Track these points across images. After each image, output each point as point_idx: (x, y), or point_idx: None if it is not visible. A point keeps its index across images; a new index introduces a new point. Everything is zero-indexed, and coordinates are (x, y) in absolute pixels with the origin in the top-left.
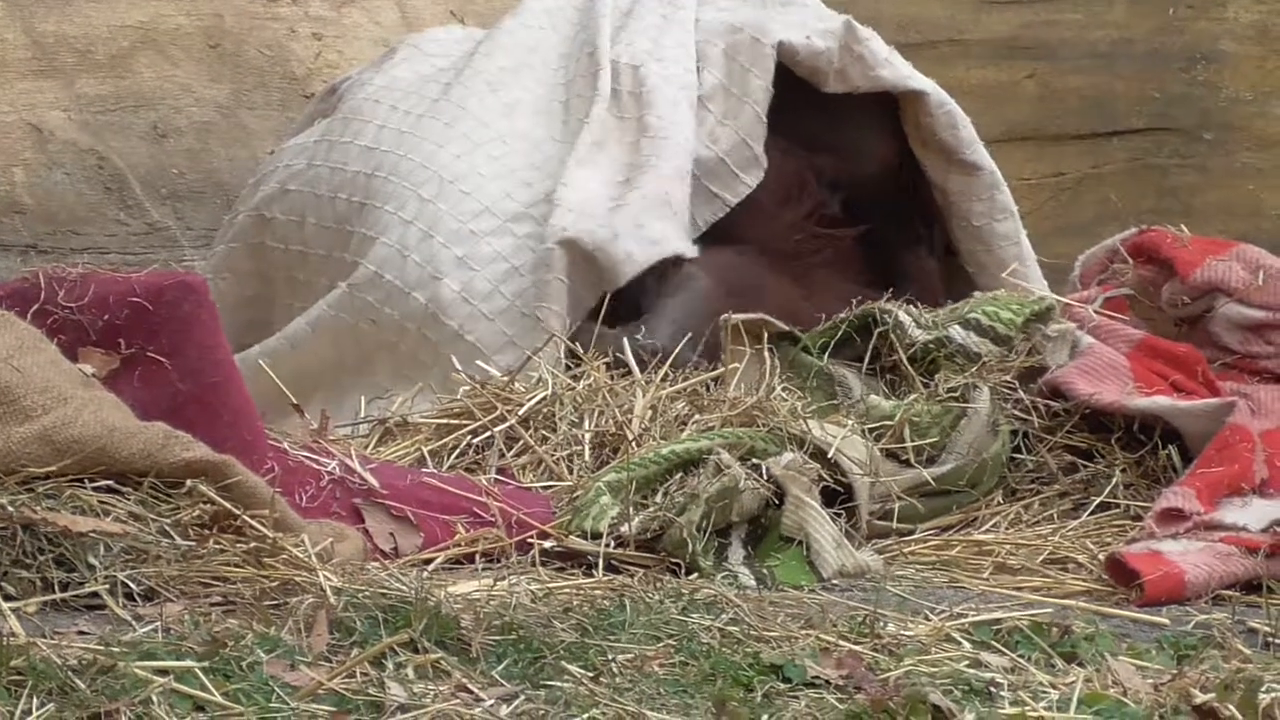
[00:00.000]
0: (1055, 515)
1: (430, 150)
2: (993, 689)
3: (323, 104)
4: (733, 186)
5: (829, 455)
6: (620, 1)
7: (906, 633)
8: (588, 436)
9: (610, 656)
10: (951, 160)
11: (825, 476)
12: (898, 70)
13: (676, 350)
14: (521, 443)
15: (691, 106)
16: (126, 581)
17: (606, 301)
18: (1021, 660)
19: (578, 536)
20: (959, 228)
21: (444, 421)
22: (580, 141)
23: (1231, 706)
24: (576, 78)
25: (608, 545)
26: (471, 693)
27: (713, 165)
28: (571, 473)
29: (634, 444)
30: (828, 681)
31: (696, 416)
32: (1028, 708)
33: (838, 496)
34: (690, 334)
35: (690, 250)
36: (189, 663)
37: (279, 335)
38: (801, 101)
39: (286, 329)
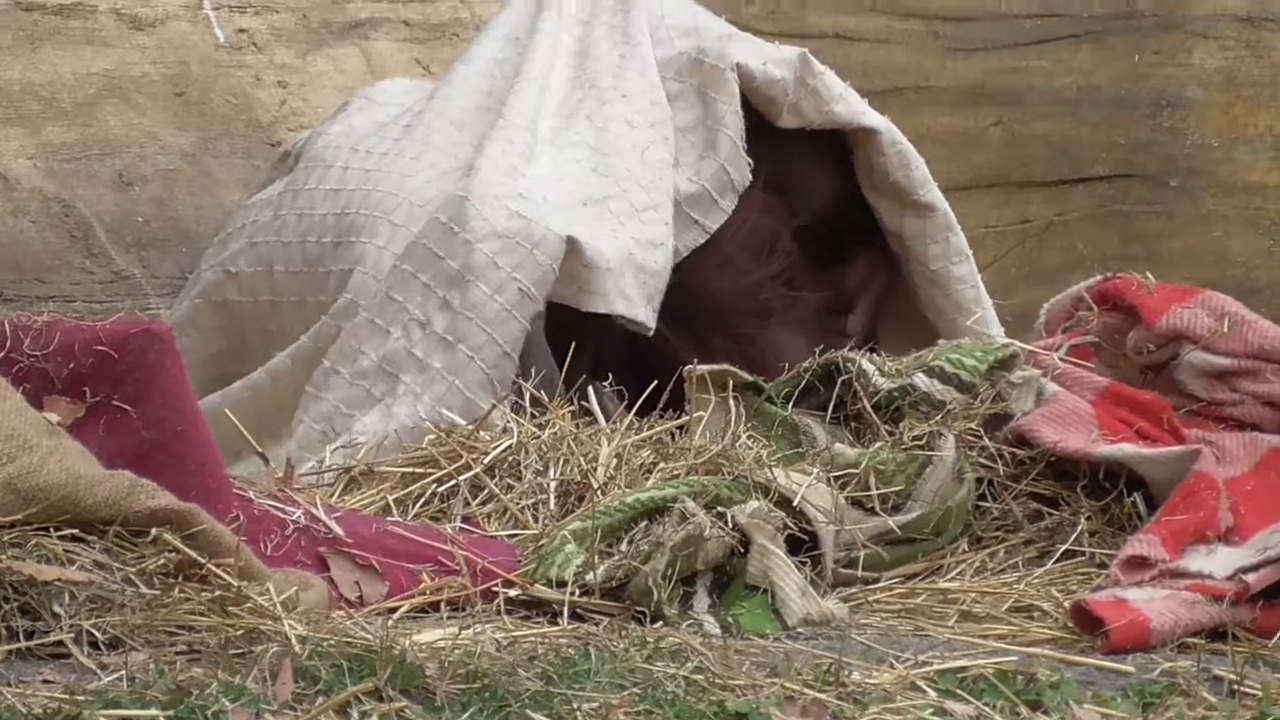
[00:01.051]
0: (1020, 563)
1: (398, 180)
2: None
3: (280, 166)
4: (712, 213)
5: (794, 503)
6: (569, 43)
7: (871, 681)
8: (553, 485)
9: (575, 705)
10: (905, 202)
11: (790, 524)
12: (852, 106)
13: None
14: (486, 491)
15: (666, 145)
16: (91, 630)
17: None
18: (986, 708)
19: (543, 585)
20: (916, 273)
21: (409, 470)
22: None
23: None
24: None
25: (573, 593)
26: None
27: (696, 194)
28: (536, 521)
29: (599, 492)
30: None
31: (661, 465)
32: None
33: (803, 544)
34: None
35: (651, 324)
36: (154, 711)
37: (260, 369)
38: (753, 138)
39: (268, 364)
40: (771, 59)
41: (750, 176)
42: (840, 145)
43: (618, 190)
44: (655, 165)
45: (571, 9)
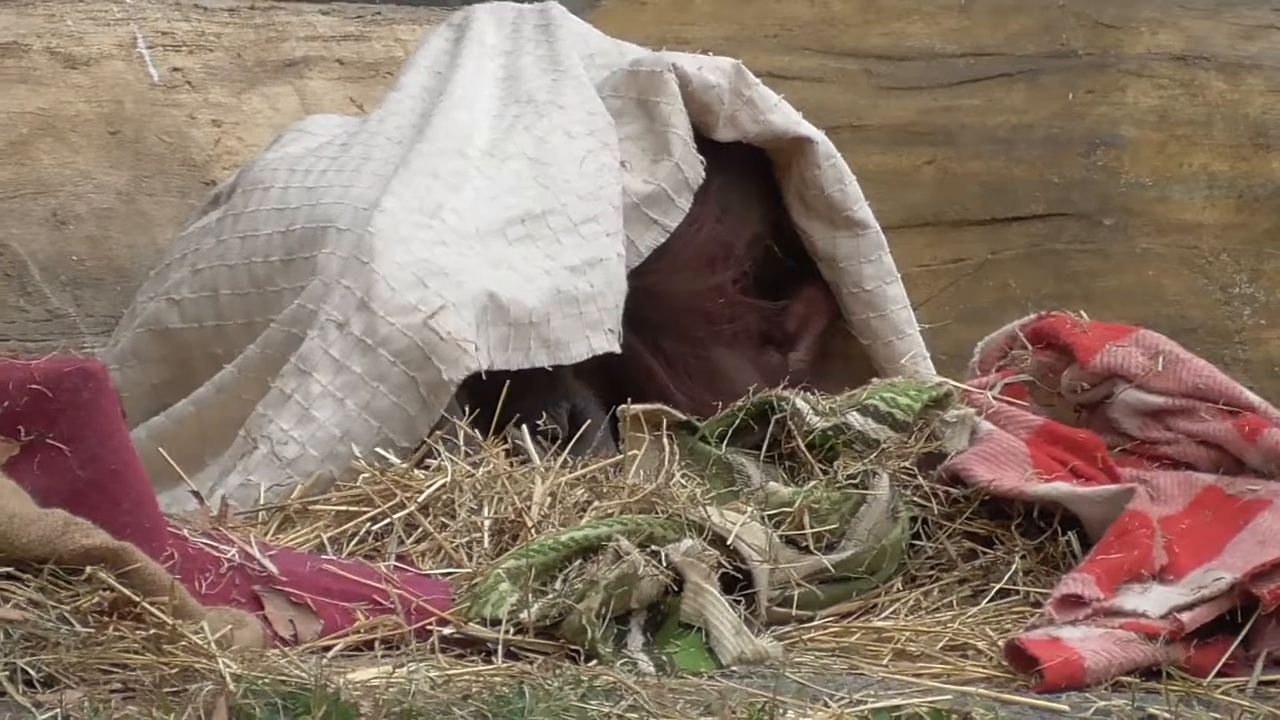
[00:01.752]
0: (955, 602)
1: (340, 190)
2: None
3: (210, 207)
4: (670, 212)
5: (728, 542)
6: (494, 70)
7: (806, 719)
8: (487, 523)
9: None
10: (837, 220)
11: (724, 563)
12: (788, 116)
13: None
14: (421, 530)
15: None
16: (26, 668)
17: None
18: None
19: (477, 623)
20: (850, 296)
21: (344, 508)
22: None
23: None
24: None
25: (507, 632)
26: None
27: (653, 194)
28: (471, 559)
29: (533, 531)
30: None
31: (596, 503)
32: None
33: (737, 583)
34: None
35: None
36: None
37: (206, 384)
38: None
39: (213, 378)
40: (706, 65)
41: (704, 173)
42: (764, 172)
43: (557, 204)
44: (594, 174)
45: (492, 40)
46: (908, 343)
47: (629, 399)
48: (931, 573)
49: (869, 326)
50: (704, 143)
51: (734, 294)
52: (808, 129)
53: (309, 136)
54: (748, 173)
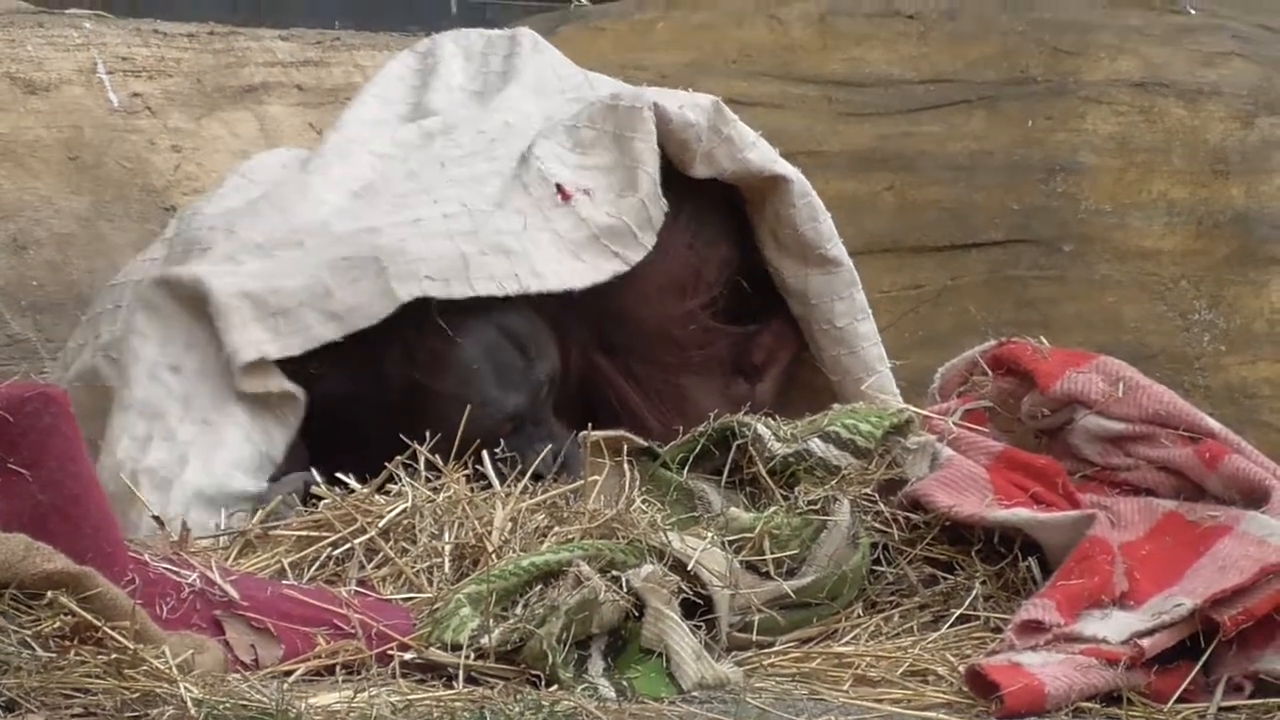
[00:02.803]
0: (915, 627)
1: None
2: None
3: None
4: (631, 247)
5: (689, 567)
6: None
7: None
8: (448, 548)
9: None
10: (810, 258)
11: (685, 589)
12: (764, 154)
13: None
14: (381, 555)
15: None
16: None
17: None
18: None
19: (438, 648)
20: (820, 333)
21: (304, 533)
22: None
23: None
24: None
25: (468, 657)
26: None
27: (615, 227)
28: (431, 585)
29: (494, 556)
30: None
31: (556, 529)
32: None
33: (697, 608)
34: None
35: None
36: None
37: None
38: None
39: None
40: (687, 103)
41: (665, 214)
42: (733, 208)
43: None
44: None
45: (459, 80)
46: (879, 380)
47: (590, 425)
48: (892, 598)
49: (839, 363)
50: (677, 173)
51: (704, 320)
52: (784, 167)
53: (251, 186)
54: (719, 203)
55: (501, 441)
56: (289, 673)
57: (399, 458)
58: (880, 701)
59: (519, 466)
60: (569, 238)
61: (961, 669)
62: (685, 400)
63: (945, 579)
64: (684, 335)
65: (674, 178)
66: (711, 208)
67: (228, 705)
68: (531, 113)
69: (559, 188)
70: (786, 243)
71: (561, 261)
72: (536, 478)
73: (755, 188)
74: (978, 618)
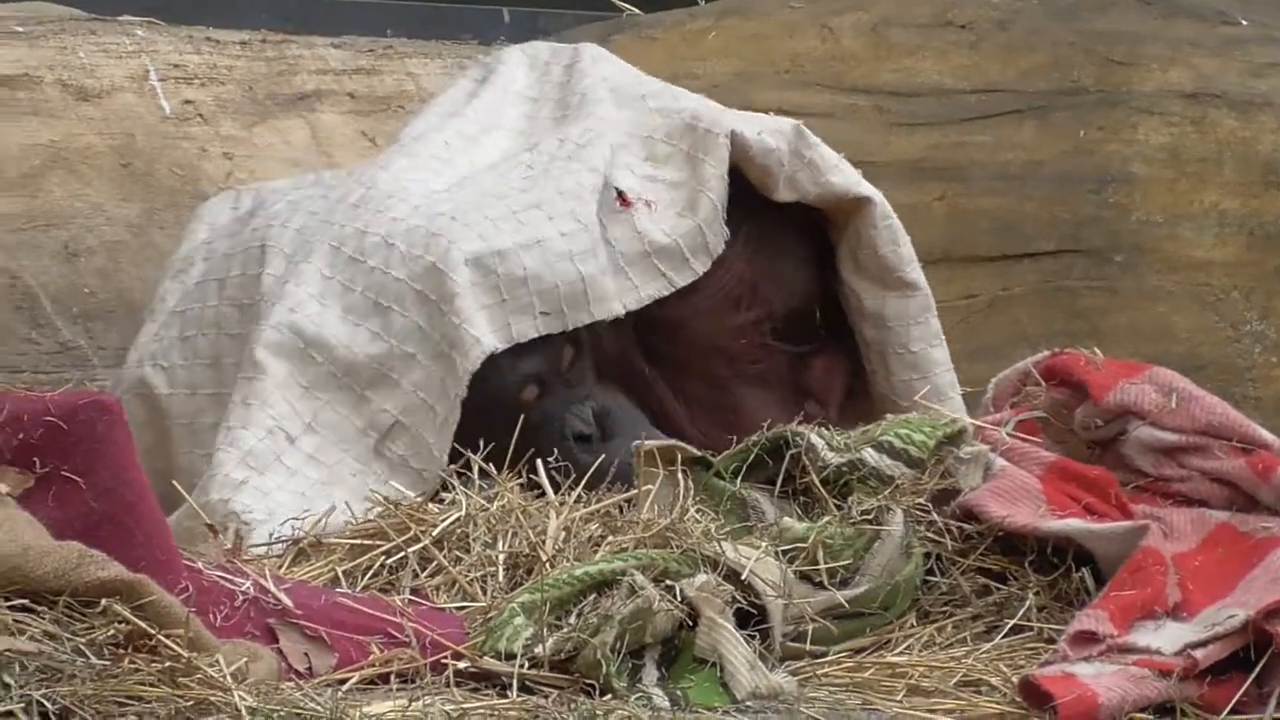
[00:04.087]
0: (968, 638)
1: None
2: None
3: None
4: (681, 270)
5: (742, 577)
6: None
7: None
8: (501, 557)
9: None
10: (889, 281)
11: (739, 598)
12: (848, 176)
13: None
14: (435, 563)
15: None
16: (41, 700)
17: None
18: None
19: (491, 657)
20: (894, 357)
21: (358, 542)
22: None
23: None
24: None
25: (522, 666)
26: None
27: (668, 248)
28: (485, 593)
29: (548, 565)
30: None
31: (610, 538)
32: None
33: (751, 618)
34: None
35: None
36: None
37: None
38: (756, 215)
39: None
40: (767, 129)
41: (724, 244)
42: (816, 232)
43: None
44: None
45: (521, 85)
46: (949, 406)
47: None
48: (945, 608)
49: (910, 388)
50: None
51: (757, 335)
52: (867, 189)
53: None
54: (782, 221)
55: (535, 409)
56: (343, 681)
57: (452, 466)
58: (933, 712)
59: (573, 475)
60: (620, 249)
61: (1015, 680)
62: (740, 413)
63: (998, 589)
64: (737, 349)
65: (737, 194)
66: (774, 224)
67: (281, 714)
68: (611, 122)
69: (620, 194)
70: (866, 265)
71: (615, 278)
72: (581, 439)
73: (838, 209)
74: (1031, 628)
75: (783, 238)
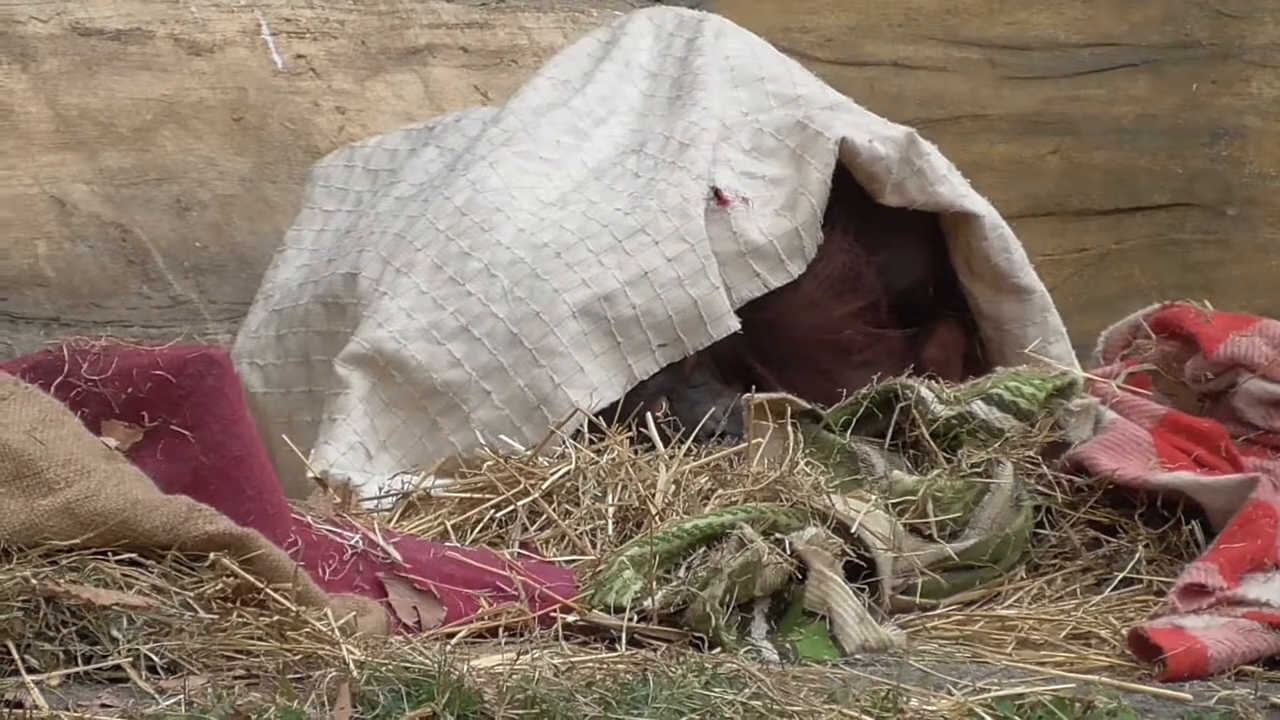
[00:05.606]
0: (1078, 590)
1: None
2: None
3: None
4: (776, 272)
5: (852, 530)
6: (631, 96)
7: (929, 708)
8: (611, 511)
9: None
10: (1003, 287)
11: (848, 551)
12: (955, 189)
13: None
14: (544, 517)
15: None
16: (149, 654)
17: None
18: None
19: (600, 610)
20: (1014, 356)
21: (467, 495)
22: None
23: None
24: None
25: (630, 619)
26: None
27: (764, 248)
28: (594, 547)
29: (657, 518)
30: None
31: (719, 491)
32: None
33: (860, 571)
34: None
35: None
36: None
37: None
38: (857, 204)
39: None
40: (878, 136)
41: (818, 249)
42: (933, 224)
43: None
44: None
45: (643, 58)
46: None
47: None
48: (1055, 561)
49: None
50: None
51: (862, 324)
52: (973, 203)
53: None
54: (917, 224)
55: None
56: (451, 635)
57: (563, 419)
58: (1043, 664)
59: (682, 430)
60: (716, 248)
61: (1124, 632)
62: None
63: (1108, 542)
64: (843, 340)
65: (839, 188)
66: (875, 215)
67: (390, 667)
68: (718, 110)
69: (716, 192)
70: (979, 271)
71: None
72: (706, 435)
73: (948, 217)
74: (1140, 581)
75: (885, 226)
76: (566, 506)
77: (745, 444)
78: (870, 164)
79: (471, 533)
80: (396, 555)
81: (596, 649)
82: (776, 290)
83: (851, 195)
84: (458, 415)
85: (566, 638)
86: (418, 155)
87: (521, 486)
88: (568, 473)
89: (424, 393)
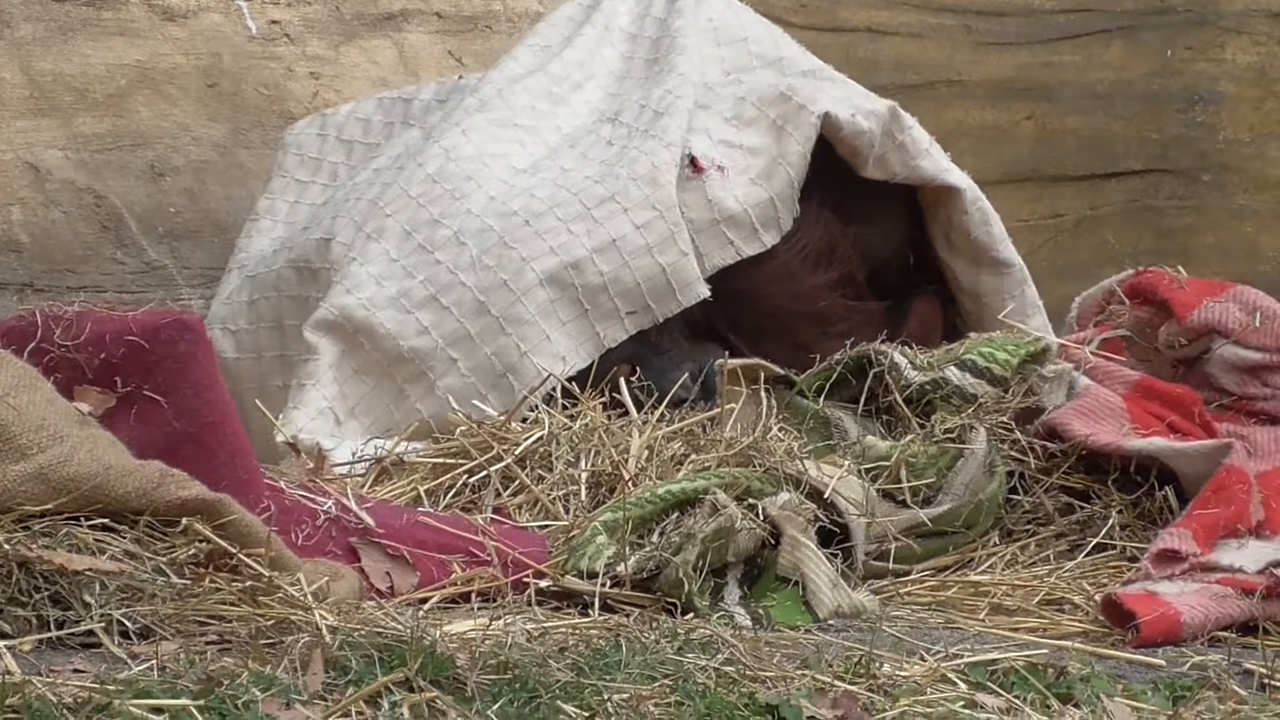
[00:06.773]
0: (1051, 556)
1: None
2: None
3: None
4: (750, 241)
5: (825, 495)
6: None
7: (902, 673)
8: (584, 476)
9: (606, 696)
10: (982, 260)
11: (821, 517)
12: (936, 163)
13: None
14: (518, 482)
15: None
16: (122, 619)
17: None
18: (1017, 701)
19: (573, 576)
20: (992, 328)
21: (440, 461)
22: None
23: None
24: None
25: (603, 585)
26: None
27: (738, 216)
28: (568, 512)
29: (630, 484)
30: None
31: (693, 457)
32: None
33: (834, 537)
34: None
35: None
36: (184, 701)
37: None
38: (835, 176)
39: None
40: (861, 110)
41: (794, 220)
42: (911, 197)
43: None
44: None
45: (623, 20)
46: None
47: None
48: (1028, 527)
49: None
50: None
51: (838, 296)
52: (955, 177)
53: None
54: (857, 182)
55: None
56: (424, 600)
57: (535, 384)
58: (1016, 630)
59: (655, 395)
60: (690, 216)
61: (1097, 598)
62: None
63: (1081, 508)
64: (819, 311)
65: (818, 161)
66: (851, 187)
67: (363, 633)
68: (697, 74)
69: (692, 160)
70: (958, 245)
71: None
72: (677, 403)
73: (927, 190)
74: (1114, 547)
75: (864, 198)
76: (540, 472)
77: (718, 409)
78: (853, 138)
79: (444, 498)
80: (369, 520)
81: (569, 614)
82: (752, 260)
83: (831, 167)
84: (424, 383)
85: (539, 603)
86: (399, 136)
87: (494, 452)
88: (541, 438)
89: (391, 360)
